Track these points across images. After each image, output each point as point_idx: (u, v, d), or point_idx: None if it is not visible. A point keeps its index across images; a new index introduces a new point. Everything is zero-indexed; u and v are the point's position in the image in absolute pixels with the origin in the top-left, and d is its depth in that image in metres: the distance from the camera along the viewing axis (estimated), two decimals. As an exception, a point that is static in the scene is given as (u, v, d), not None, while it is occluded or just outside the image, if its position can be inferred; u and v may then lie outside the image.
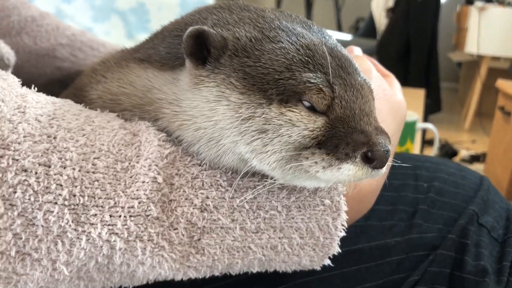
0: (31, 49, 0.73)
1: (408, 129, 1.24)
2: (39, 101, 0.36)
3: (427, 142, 2.56)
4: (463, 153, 2.77)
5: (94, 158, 0.34)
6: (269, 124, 0.36)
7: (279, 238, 0.37)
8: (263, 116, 0.36)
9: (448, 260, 0.51)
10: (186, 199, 0.35)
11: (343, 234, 0.39)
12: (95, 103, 0.43)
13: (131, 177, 0.34)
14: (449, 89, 4.59)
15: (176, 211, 0.35)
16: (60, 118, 0.35)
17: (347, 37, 4.29)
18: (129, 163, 0.35)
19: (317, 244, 0.39)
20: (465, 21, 3.45)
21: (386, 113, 0.47)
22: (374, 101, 0.39)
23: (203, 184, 0.36)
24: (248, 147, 0.36)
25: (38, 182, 0.31)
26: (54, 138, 0.33)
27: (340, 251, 0.40)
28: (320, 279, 0.46)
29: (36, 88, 0.38)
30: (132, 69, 0.43)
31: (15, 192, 0.30)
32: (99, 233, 0.32)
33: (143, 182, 0.34)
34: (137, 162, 0.35)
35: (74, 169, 0.32)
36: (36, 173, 0.31)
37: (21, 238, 0.31)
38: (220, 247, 0.36)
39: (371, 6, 4.05)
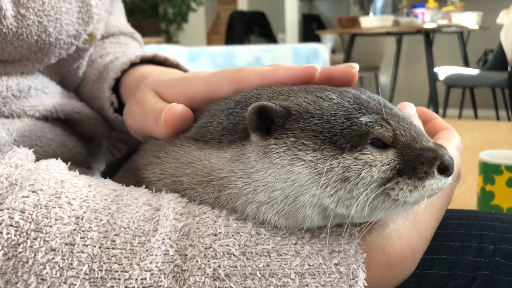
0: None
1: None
2: (76, 185, 0.41)
3: None
4: None
5: (114, 235, 0.37)
6: (349, 171, 0.39)
7: None
8: (340, 165, 0.39)
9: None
10: (199, 268, 0.37)
11: None
12: (155, 184, 0.46)
13: (146, 250, 0.37)
14: None
15: (189, 280, 0.37)
16: (90, 200, 0.40)
17: (474, 71, 4.04)
18: (146, 238, 0.38)
19: None
20: None
21: None
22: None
23: (215, 254, 0.38)
24: (332, 197, 0.39)
25: (63, 259, 0.36)
26: (81, 218, 0.38)
27: None
28: None
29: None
30: (188, 149, 0.45)
31: (45, 269, 0.35)
32: None
33: (156, 255, 0.37)
34: (153, 236, 0.38)
35: (94, 246, 0.37)
36: (62, 252, 0.36)
37: None
38: None
39: (500, 37, 3.78)
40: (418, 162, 0.39)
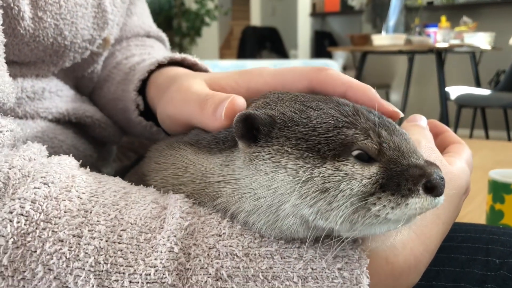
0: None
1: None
2: (86, 180, 0.42)
3: None
4: None
5: (121, 230, 0.38)
6: (328, 182, 0.38)
7: None
8: (321, 175, 0.38)
9: None
10: (202, 268, 0.37)
11: None
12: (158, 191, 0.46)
13: (152, 247, 0.38)
14: None
15: (191, 279, 0.37)
16: (99, 195, 0.40)
17: (486, 92, 4.02)
18: (152, 234, 0.38)
19: None
20: None
21: None
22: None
23: (219, 254, 0.38)
24: (311, 208, 0.38)
25: (70, 250, 0.36)
26: (90, 212, 0.39)
27: None
28: None
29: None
30: (184, 153, 0.46)
31: (52, 259, 0.36)
32: None
33: (161, 252, 0.37)
34: (159, 234, 0.38)
35: (101, 239, 0.37)
36: (69, 243, 0.37)
37: None
38: None
39: (513, 58, 3.77)
40: (402, 179, 0.37)
